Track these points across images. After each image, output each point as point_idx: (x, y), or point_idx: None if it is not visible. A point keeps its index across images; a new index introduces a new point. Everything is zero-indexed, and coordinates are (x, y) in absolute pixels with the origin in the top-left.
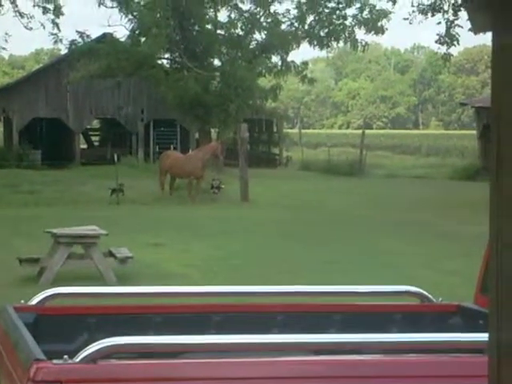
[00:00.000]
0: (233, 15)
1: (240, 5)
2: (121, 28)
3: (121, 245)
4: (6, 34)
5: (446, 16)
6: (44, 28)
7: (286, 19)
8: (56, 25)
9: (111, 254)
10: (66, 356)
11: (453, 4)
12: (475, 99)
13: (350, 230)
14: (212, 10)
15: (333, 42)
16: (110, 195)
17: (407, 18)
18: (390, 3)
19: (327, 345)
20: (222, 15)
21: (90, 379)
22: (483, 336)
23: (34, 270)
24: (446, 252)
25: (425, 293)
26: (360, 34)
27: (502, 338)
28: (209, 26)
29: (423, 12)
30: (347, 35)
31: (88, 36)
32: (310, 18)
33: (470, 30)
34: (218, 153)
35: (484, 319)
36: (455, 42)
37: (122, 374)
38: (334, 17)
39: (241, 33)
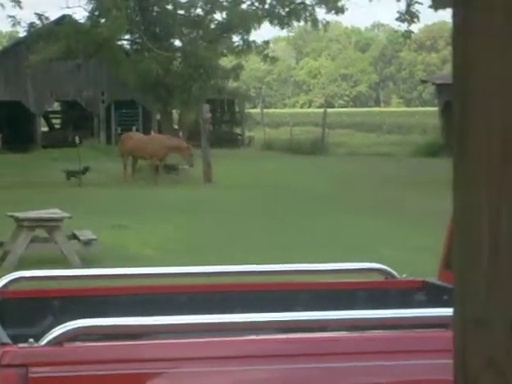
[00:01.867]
0: None
1: None
2: (80, 10)
3: (84, 227)
4: None
5: None
6: (3, 8)
7: None
8: (17, 3)
9: (75, 237)
10: (31, 339)
11: None
12: (436, 76)
13: (315, 208)
14: None
15: (293, 21)
16: (67, 179)
17: None
18: None
19: (292, 323)
20: None
21: (56, 362)
22: (448, 311)
23: None
24: (412, 229)
25: (389, 269)
26: (320, 13)
27: (467, 311)
28: (169, 7)
29: None
30: (308, 14)
31: (47, 18)
32: None
33: (430, 6)
34: (185, 155)
35: (448, 294)
36: (415, 19)
37: (89, 355)
38: None
39: (201, 13)
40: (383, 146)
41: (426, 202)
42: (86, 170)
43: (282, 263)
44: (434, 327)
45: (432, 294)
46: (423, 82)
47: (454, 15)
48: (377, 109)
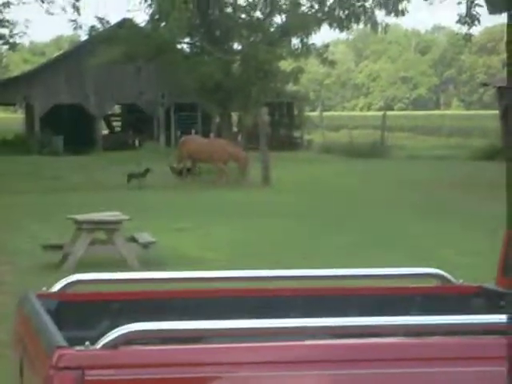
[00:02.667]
0: None
1: None
2: (140, 13)
3: (143, 230)
4: (27, 20)
5: None
6: (65, 12)
7: (306, 1)
8: (76, 9)
9: (134, 240)
10: (87, 342)
11: None
12: (497, 79)
13: (374, 213)
14: None
15: (353, 24)
16: (128, 182)
17: None
18: None
19: (347, 328)
20: None
21: (111, 365)
22: (505, 317)
23: (57, 257)
24: (470, 232)
25: (445, 274)
26: (380, 15)
27: None
28: (229, 10)
29: None
30: (367, 17)
31: (108, 22)
32: (330, 0)
33: None
34: (241, 165)
35: (506, 300)
36: (476, 22)
37: (144, 359)
38: None
39: (261, 16)
40: (443, 149)
41: (480, 205)
42: (146, 172)
43: (337, 268)
44: (491, 334)
45: (489, 300)
46: (484, 84)
47: (510, 18)
48: (437, 112)
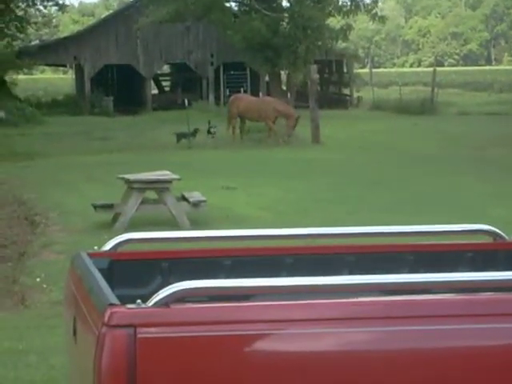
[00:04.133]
0: None
1: None
2: None
3: (193, 189)
4: None
5: None
6: None
7: None
8: None
9: (184, 199)
10: (139, 300)
11: None
12: None
13: (424, 169)
14: None
15: None
16: (177, 141)
17: None
18: None
19: (398, 285)
20: None
21: (162, 323)
22: None
23: (109, 216)
24: None
25: (497, 231)
26: None
27: None
28: None
29: None
30: None
31: None
32: None
33: None
34: (289, 123)
35: None
36: None
37: (195, 317)
38: None
39: None
40: (494, 104)
41: None
42: (195, 132)
43: (386, 226)
44: None
45: None
46: None
47: None
48: (488, 67)
